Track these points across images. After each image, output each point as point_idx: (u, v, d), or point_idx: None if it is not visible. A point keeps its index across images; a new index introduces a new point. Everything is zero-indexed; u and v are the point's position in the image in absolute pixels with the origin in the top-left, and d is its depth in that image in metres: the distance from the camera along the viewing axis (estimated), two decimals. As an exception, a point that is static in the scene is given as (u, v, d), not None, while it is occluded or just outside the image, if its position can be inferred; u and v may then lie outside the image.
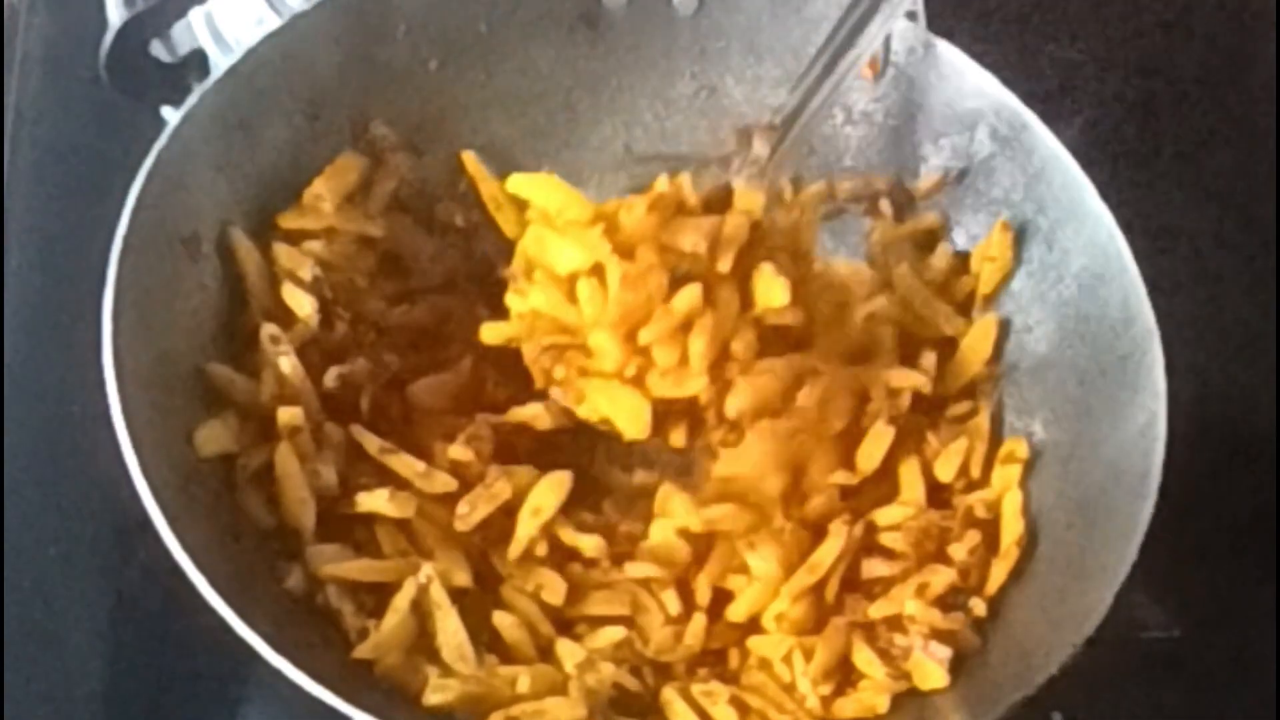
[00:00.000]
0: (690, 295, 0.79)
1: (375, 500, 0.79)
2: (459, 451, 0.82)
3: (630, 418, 0.81)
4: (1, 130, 0.99)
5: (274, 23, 0.87)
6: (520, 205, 0.88)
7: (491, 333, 0.84)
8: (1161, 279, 0.83)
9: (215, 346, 0.82)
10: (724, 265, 0.80)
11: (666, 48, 0.92)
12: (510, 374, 0.88)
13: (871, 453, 0.84)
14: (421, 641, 0.77)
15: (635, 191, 0.83)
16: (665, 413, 0.82)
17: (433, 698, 0.74)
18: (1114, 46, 1.10)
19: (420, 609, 0.77)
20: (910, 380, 0.85)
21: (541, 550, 0.81)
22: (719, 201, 0.82)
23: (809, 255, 0.85)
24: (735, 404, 0.82)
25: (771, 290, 0.81)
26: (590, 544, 0.82)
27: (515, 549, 0.80)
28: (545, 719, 0.75)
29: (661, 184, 0.84)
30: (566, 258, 0.81)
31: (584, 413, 0.82)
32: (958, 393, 0.87)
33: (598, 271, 0.80)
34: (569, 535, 0.82)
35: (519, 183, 0.87)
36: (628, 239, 0.80)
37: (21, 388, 0.91)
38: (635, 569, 0.82)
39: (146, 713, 0.85)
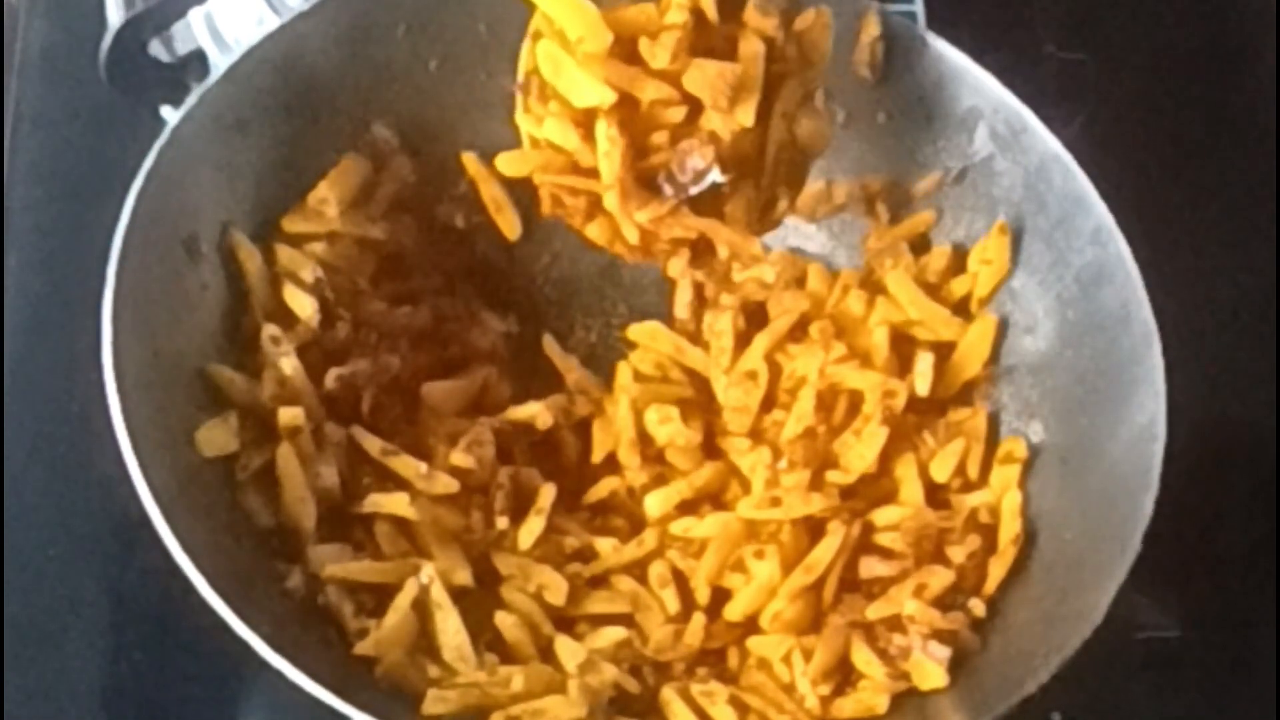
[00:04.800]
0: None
1: (393, 502, 0.79)
2: (461, 458, 0.82)
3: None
4: (1, 130, 0.99)
5: (274, 23, 0.87)
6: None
7: (509, 164, 0.82)
8: (1161, 279, 0.83)
9: (216, 347, 0.82)
10: (745, 119, 0.78)
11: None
12: (512, 372, 0.88)
13: (864, 453, 0.84)
14: (422, 641, 0.77)
15: None
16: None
17: (433, 708, 0.74)
18: (1114, 46, 1.10)
19: (421, 608, 0.77)
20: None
21: (547, 548, 0.81)
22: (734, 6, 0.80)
23: (817, 80, 0.83)
24: None
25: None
26: (606, 546, 0.83)
27: (526, 538, 0.81)
28: (545, 719, 0.75)
29: None
30: (584, 93, 0.77)
31: (593, 234, 0.81)
32: (955, 394, 0.87)
33: (614, 114, 0.77)
34: (581, 535, 0.82)
35: None
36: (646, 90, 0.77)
37: (21, 388, 0.91)
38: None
39: (146, 713, 0.85)
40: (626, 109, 0.77)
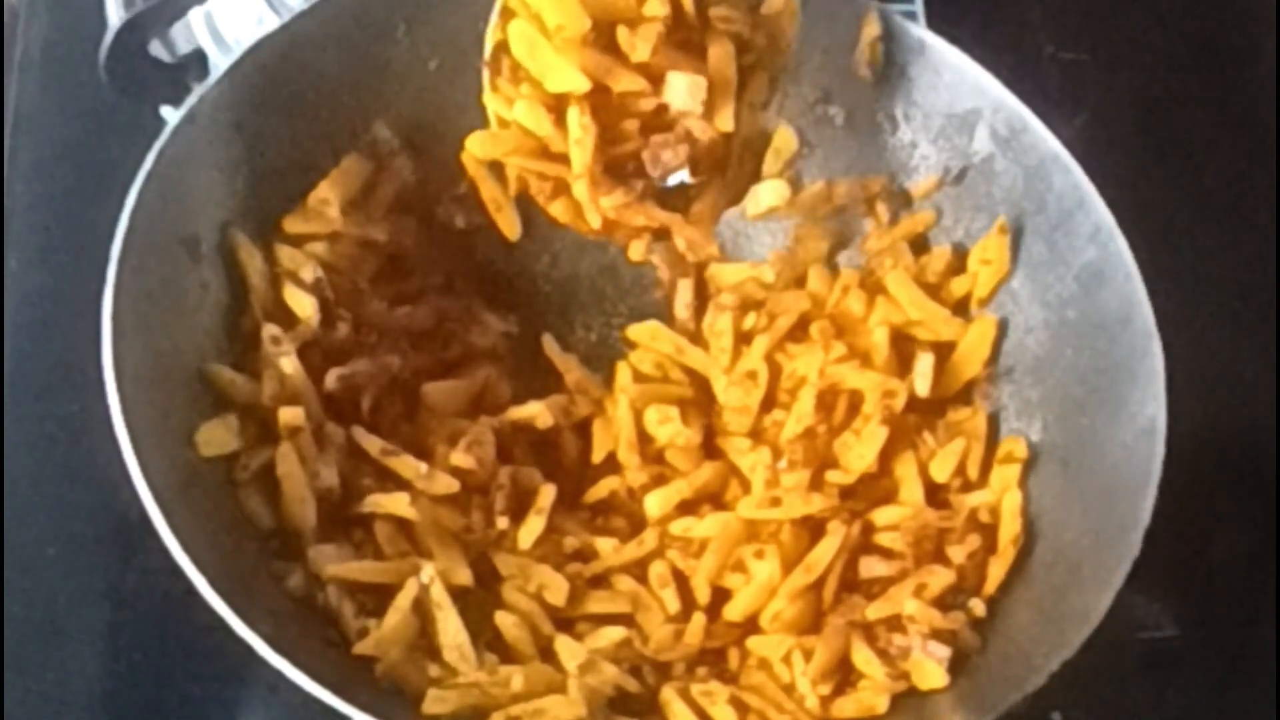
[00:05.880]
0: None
1: (393, 502, 0.79)
2: (461, 458, 0.82)
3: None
4: (1, 130, 0.99)
5: (274, 23, 0.87)
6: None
7: (479, 145, 0.81)
8: (1161, 279, 0.83)
9: (216, 347, 0.82)
10: (725, 125, 0.78)
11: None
12: (512, 372, 0.88)
13: (864, 453, 0.84)
14: (422, 641, 0.77)
15: None
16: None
17: (433, 708, 0.74)
18: (1114, 46, 1.10)
19: (421, 608, 0.77)
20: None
21: (547, 548, 0.81)
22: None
23: (783, 67, 0.82)
24: None
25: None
26: (606, 546, 0.83)
27: (526, 538, 0.81)
28: (545, 719, 0.75)
29: None
30: (559, 78, 0.77)
31: (555, 211, 0.81)
32: (955, 394, 0.87)
33: (587, 101, 0.77)
34: (581, 535, 0.82)
35: None
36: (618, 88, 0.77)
37: (21, 388, 0.91)
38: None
39: (146, 713, 0.85)
40: (599, 95, 0.77)
